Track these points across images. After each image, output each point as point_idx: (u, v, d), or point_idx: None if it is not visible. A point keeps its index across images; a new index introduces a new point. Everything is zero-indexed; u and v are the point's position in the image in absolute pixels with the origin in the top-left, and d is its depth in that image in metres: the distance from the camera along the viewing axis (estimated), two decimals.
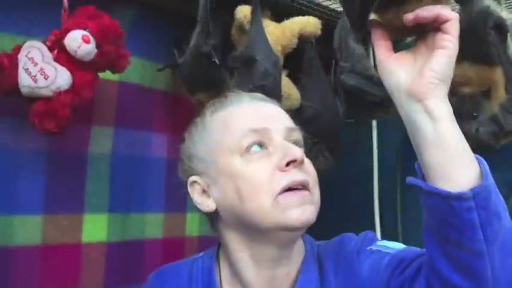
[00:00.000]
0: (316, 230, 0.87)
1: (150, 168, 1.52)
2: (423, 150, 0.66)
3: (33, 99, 1.12)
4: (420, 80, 0.65)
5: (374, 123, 1.79)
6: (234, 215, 0.81)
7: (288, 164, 0.77)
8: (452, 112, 0.65)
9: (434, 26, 0.65)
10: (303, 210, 0.76)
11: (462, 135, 0.65)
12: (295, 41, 1.40)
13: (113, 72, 1.21)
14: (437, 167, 0.64)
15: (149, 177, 1.52)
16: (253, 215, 0.77)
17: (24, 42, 1.14)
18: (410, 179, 0.68)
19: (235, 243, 0.84)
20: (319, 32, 1.41)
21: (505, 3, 1.29)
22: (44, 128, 1.11)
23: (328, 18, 1.52)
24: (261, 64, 1.22)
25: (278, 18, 1.45)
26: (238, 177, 0.79)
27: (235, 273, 0.85)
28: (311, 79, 1.51)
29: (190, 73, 1.38)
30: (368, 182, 1.78)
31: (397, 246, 0.83)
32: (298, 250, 0.86)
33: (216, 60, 1.34)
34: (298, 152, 0.78)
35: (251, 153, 0.79)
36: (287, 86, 1.46)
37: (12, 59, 1.10)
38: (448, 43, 0.64)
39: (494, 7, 1.14)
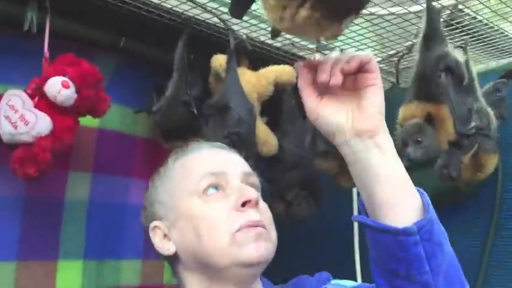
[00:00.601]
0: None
1: (128, 214, 1.52)
2: (375, 187, 0.67)
3: (14, 146, 1.13)
4: (366, 118, 0.67)
5: None
6: (193, 255, 0.82)
7: (243, 205, 0.80)
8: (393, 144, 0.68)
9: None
10: (259, 245, 0.78)
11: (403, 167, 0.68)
12: (271, 88, 1.45)
13: (94, 116, 1.24)
14: (389, 200, 0.66)
15: (127, 223, 1.51)
16: (212, 253, 0.79)
17: (7, 90, 1.17)
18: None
19: (194, 286, 0.84)
20: (294, 79, 1.46)
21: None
22: (24, 173, 1.12)
23: None
24: (235, 111, 1.26)
25: (255, 66, 1.50)
26: (196, 217, 0.81)
27: None
28: (291, 125, 1.55)
29: (166, 121, 1.41)
30: (348, 231, 1.79)
31: (350, 283, 0.85)
32: None
33: (195, 110, 1.37)
34: (253, 193, 0.81)
35: (208, 195, 0.82)
36: (264, 132, 1.49)
37: None
38: (376, 80, 0.67)
39: (453, 52, 1.21)
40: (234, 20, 1.38)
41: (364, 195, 0.69)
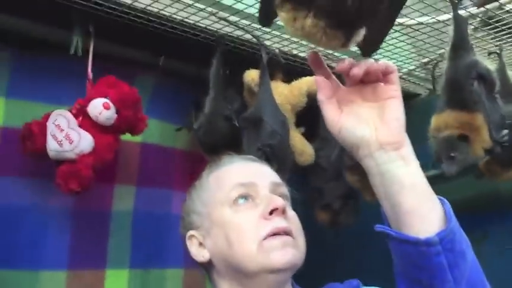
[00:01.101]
0: None
1: (170, 224, 1.58)
2: (400, 197, 0.67)
3: (59, 162, 1.22)
4: (390, 131, 0.68)
5: None
6: (225, 261, 0.86)
7: (271, 213, 0.83)
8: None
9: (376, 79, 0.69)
10: (285, 252, 0.81)
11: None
12: (304, 99, 1.48)
13: (132, 134, 1.31)
14: (414, 210, 0.67)
15: (169, 233, 1.58)
16: (241, 260, 0.82)
17: (54, 109, 1.26)
18: (379, 227, 0.70)
19: None
20: None
21: None
22: (68, 188, 1.20)
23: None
24: (268, 124, 1.29)
25: (289, 79, 1.53)
26: (227, 226, 0.85)
27: None
28: (330, 134, 1.57)
29: (208, 136, 1.44)
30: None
31: None
32: None
33: (236, 123, 1.41)
34: (280, 202, 0.84)
35: (238, 205, 0.86)
36: (300, 142, 1.53)
37: (41, 126, 1.22)
38: (397, 92, 0.68)
39: (482, 60, 1.21)
40: (267, 36, 1.43)
41: (388, 205, 0.70)
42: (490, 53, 1.39)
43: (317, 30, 0.61)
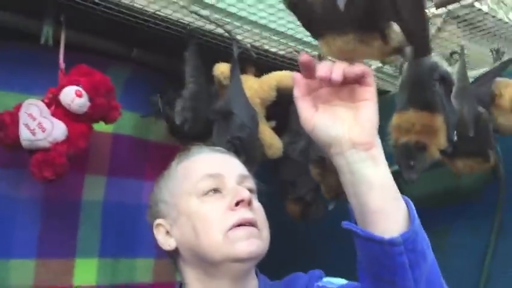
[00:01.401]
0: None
1: (140, 214, 1.57)
2: (368, 197, 0.69)
3: (32, 151, 1.22)
4: (362, 131, 0.69)
5: None
6: (191, 250, 0.89)
7: (237, 204, 0.87)
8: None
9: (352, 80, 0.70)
10: (250, 242, 0.85)
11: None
12: (273, 93, 1.52)
13: (106, 122, 1.32)
14: (380, 210, 0.69)
15: (140, 223, 1.59)
16: (207, 249, 0.86)
17: (26, 99, 1.27)
18: (346, 224, 0.72)
19: (193, 280, 0.92)
20: None
21: None
22: (42, 176, 1.21)
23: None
24: (238, 117, 1.33)
25: (261, 74, 1.56)
26: (193, 216, 0.88)
27: None
28: (301, 128, 1.61)
29: (194, 129, 1.44)
30: None
31: (340, 281, 0.91)
32: (252, 286, 0.93)
33: None
34: (246, 194, 0.87)
35: (206, 196, 0.89)
36: (269, 136, 1.56)
37: (13, 116, 1.22)
38: (372, 94, 0.69)
39: (441, 63, 1.26)
40: (238, 30, 1.45)
41: (355, 203, 0.71)
42: (452, 53, 1.44)
43: (354, 43, 0.63)
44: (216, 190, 0.90)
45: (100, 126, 1.42)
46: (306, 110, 0.71)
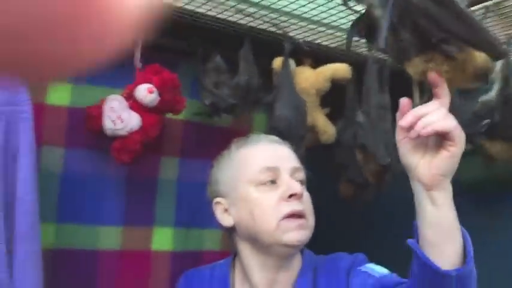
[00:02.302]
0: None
1: None
2: (422, 227, 0.77)
3: (114, 138, 1.47)
4: (428, 174, 0.75)
5: None
6: (246, 230, 1.03)
7: (290, 196, 0.99)
8: (451, 197, 0.76)
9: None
10: (298, 233, 0.98)
11: (456, 216, 0.77)
12: (327, 84, 1.64)
13: (173, 114, 1.53)
14: (432, 243, 0.76)
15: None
16: (261, 233, 0.99)
17: (111, 93, 1.51)
18: (410, 241, 0.80)
19: (247, 252, 1.05)
20: (349, 76, 1.63)
21: None
22: (120, 159, 1.45)
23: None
24: (279, 109, 1.47)
25: (317, 65, 1.69)
26: (252, 202, 1.01)
27: (246, 276, 1.07)
28: (354, 114, 1.72)
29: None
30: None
31: (382, 270, 1.00)
32: (297, 261, 1.07)
33: None
34: (298, 188, 1.00)
35: (263, 185, 1.01)
36: (323, 123, 1.69)
37: (99, 109, 1.47)
38: (453, 148, 0.75)
39: None
40: (293, 27, 1.59)
41: (418, 227, 0.79)
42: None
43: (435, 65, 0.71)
44: (272, 181, 1.01)
45: (172, 115, 1.66)
46: (398, 135, 0.80)
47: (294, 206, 0.99)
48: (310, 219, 1.02)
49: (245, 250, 1.05)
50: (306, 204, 1.02)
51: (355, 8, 1.39)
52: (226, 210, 1.06)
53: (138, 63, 1.50)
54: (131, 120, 1.44)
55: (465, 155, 0.76)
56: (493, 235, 1.62)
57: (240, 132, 1.79)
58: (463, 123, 1.34)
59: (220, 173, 1.09)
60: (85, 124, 1.50)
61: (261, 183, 1.01)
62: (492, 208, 1.71)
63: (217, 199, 1.08)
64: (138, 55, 1.51)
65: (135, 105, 1.46)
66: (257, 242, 1.02)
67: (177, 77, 1.49)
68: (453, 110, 1.27)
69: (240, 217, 1.03)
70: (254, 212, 1.00)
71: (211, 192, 1.11)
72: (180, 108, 1.51)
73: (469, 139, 1.39)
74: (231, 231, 1.08)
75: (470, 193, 1.65)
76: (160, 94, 1.45)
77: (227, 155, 1.10)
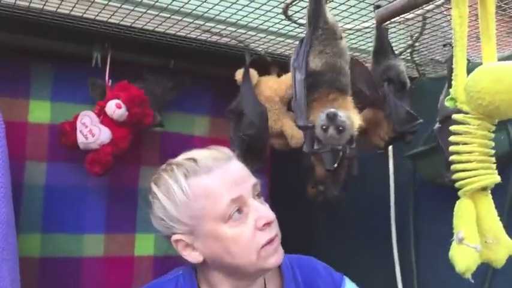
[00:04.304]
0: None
1: None
2: None
3: (86, 151, 1.58)
4: None
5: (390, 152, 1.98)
6: (221, 264, 0.98)
7: (264, 225, 0.96)
8: None
9: None
10: (278, 255, 0.98)
11: None
12: (290, 91, 1.70)
13: (141, 127, 1.63)
14: None
15: None
16: (242, 266, 0.96)
17: (82, 109, 1.62)
18: None
19: (218, 279, 1.01)
20: None
21: None
22: (93, 171, 1.56)
23: None
24: (247, 116, 1.55)
25: (285, 73, 1.77)
26: (226, 240, 0.95)
27: None
28: None
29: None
30: (384, 209, 1.98)
31: None
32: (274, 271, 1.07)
33: None
34: (270, 215, 0.97)
35: (233, 219, 0.95)
36: (290, 128, 1.76)
37: (71, 125, 1.58)
38: None
39: (397, 63, 1.37)
40: (254, 38, 1.66)
41: None
42: (444, 45, 1.51)
43: None
44: (239, 210, 0.95)
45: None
46: None
47: (268, 234, 0.96)
48: (279, 234, 1.00)
49: (217, 277, 1.02)
50: (274, 223, 0.99)
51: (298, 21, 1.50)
52: (188, 245, 0.98)
53: (107, 81, 1.61)
54: (102, 134, 1.55)
55: None
56: None
57: (218, 141, 1.89)
58: (399, 122, 1.43)
59: (176, 211, 0.97)
60: (60, 139, 1.61)
61: (229, 217, 0.95)
62: None
63: (177, 236, 0.98)
64: (107, 73, 1.62)
65: (106, 119, 1.57)
66: (236, 271, 0.99)
67: (143, 92, 1.59)
68: (389, 109, 1.37)
69: (213, 253, 0.97)
70: (231, 249, 0.95)
71: (164, 228, 1.00)
72: (148, 122, 1.62)
73: (402, 137, 1.47)
74: (198, 264, 1.02)
75: None
76: (128, 109, 1.55)
77: (176, 186, 0.97)
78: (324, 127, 1.28)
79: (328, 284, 1.10)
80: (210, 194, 0.95)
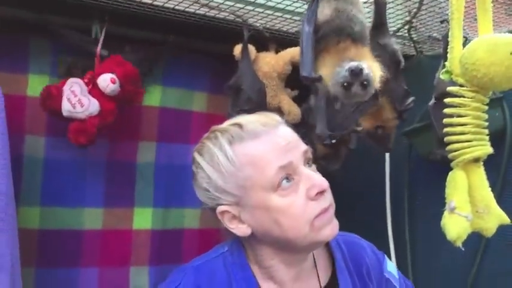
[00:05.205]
0: None
1: (187, 173, 1.90)
2: None
3: (70, 120, 1.54)
4: None
5: None
6: (272, 237, 0.92)
7: (316, 194, 0.90)
8: None
9: None
10: (333, 226, 0.92)
11: None
12: (288, 67, 1.72)
13: (131, 105, 1.63)
14: None
15: (187, 180, 1.90)
16: (294, 239, 0.90)
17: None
18: None
19: (268, 254, 0.96)
20: None
21: None
22: (77, 141, 1.53)
23: None
24: (245, 92, 1.56)
25: (283, 49, 1.77)
26: (276, 211, 0.89)
27: (268, 273, 0.97)
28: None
29: None
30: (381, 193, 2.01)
31: (395, 269, 1.10)
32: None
33: None
34: (324, 183, 0.91)
35: (283, 188, 0.89)
36: (288, 104, 1.78)
37: (58, 90, 1.53)
38: None
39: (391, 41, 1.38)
40: (252, 13, 1.66)
41: None
42: (442, 21, 1.52)
43: None
44: (288, 178, 0.90)
45: (148, 102, 1.78)
46: None
47: (322, 203, 0.91)
48: (333, 204, 0.94)
49: (266, 252, 0.96)
50: (328, 191, 0.93)
51: None
52: (235, 217, 0.93)
53: (98, 52, 1.59)
54: (91, 106, 1.52)
55: None
56: None
57: (216, 117, 1.90)
58: (397, 100, 1.45)
59: (221, 179, 0.92)
60: (43, 102, 1.55)
61: (278, 186, 0.89)
62: None
63: (222, 208, 0.93)
64: (99, 44, 1.60)
65: (95, 91, 1.54)
66: (287, 245, 0.93)
67: (138, 71, 1.59)
68: (387, 88, 1.38)
69: (262, 225, 0.91)
70: (281, 220, 0.89)
71: (209, 200, 0.95)
72: (138, 100, 1.62)
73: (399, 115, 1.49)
74: (246, 237, 0.95)
75: None
76: (121, 85, 1.55)
77: (221, 154, 0.92)
78: (345, 84, 1.16)
79: (373, 262, 1.08)
80: (257, 161, 0.89)
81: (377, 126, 1.46)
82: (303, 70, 1.22)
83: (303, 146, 0.94)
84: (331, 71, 1.20)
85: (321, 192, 0.90)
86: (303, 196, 0.89)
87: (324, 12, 1.25)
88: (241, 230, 0.92)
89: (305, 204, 0.89)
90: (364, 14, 1.29)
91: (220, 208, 0.92)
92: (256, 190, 0.89)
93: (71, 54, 1.66)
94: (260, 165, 0.89)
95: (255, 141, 0.91)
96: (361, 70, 1.13)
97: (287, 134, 0.94)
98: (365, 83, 1.15)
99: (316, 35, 1.21)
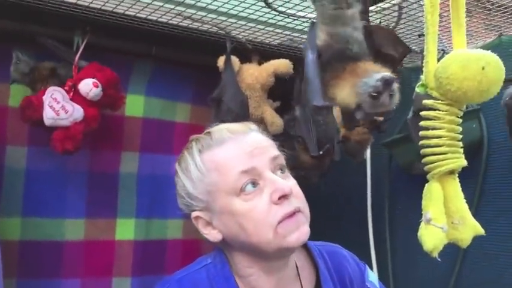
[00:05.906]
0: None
1: (170, 183, 1.89)
2: None
3: (53, 128, 1.53)
4: None
5: None
6: (240, 243, 0.92)
7: (279, 198, 0.88)
8: None
9: None
10: (300, 232, 0.89)
11: None
12: (271, 79, 1.74)
13: (113, 110, 1.63)
14: None
15: (170, 190, 1.90)
16: (258, 244, 0.89)
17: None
18: None
19: (245, 262, 0.95)
20: (290, 71, 1.73)
21: None
22: (64, 148, 1.51)
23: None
24: (225, 104, 1.58)
25: (266, 61, 1.79)
26: (239, 215, 0.89)
27: (249, 283, 0.96)
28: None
29: None
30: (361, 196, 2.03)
31: (375, 278, 1.08)
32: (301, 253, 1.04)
33: None
34: (286, 187, 0.89)
35: (246, 193, 0.89)
36: (270, 115, 1.79)
37: (39, 99, 1.53)
38: None
39: None
40: (235, 25, 1.69)
41: None
42: (420, 35, 1.56)
43: None
44: (253, 183, 0.90)
45: (131, 112, 1.78)
46: None
47: (286, 208, 0.89)
48: (306, 209, 0.93)
49: (242, 260, 0.96)
50: (296, 196, 0.92)
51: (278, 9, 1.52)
52: (208, 223, 0.95)
53: (76, 61, 1.59)
54: (75, 112, 1.52)
55: None
56: None
57: (199, 128, 1.90)
58: None
59: (191, 186, 0.95)
60: (22, 113, 1.55)
61: (242, 190, 0.89)
62: None
63: (195, 214, 0.95)
64: (78, 54, 1.59)
65: (77, 98, 1.54)
66: (255, 251, 0.92)
67: (117, 76, 1.60)
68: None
69: (230, 231, 0.92)
70: (244, 225, 0.89)
71: (185, 206, 0.98)
72: (119, 104, 1.62)
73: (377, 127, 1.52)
74: (220, 244, 0.97)
75: None
76: (103, 89, 1.55)
77: (191, 163, 0.95)
78: (375, 94, 1.17)
79: (355, 271, 1.08)
80: (220, 167, 0.91)
81: (350, 138, 1.47)
82: (312, 99, 1.24)
83: (273, 152, 0.94)
84: (348, 93, 1.23)
85: (284, 196, 0.89)
86: (266, 200, 0.88)
87: (321, 37, 1.27)
88: (213, 235, 0.94)
89: (268, 208, 0.88)
90: (359, 29, 1.30)
91: (194, 214, 0.95)
92: (221, 195, 0.90)
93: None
94: (223, 170, 0.90)
95: (220, 147, 0.93)
96: (392, 80, 1.16)
97: (256, 140, 0.95)
98: (392, 93, 1.19)
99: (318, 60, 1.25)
